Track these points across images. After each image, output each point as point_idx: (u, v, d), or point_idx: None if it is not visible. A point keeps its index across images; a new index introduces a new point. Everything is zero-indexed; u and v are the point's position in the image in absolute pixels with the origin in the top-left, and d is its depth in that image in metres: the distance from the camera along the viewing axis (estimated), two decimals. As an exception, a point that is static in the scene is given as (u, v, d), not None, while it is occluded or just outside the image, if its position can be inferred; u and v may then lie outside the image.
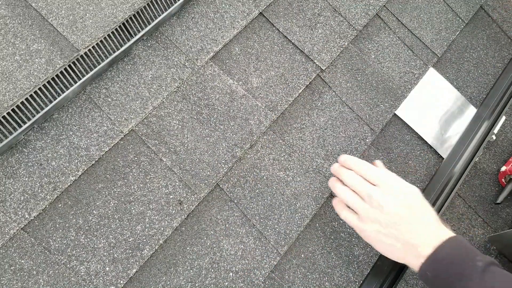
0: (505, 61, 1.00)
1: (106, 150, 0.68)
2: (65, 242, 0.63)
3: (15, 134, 0.62)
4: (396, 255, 0.64)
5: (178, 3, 0.75)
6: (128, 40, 0.71)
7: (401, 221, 0.63)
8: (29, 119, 0.64)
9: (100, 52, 0.69)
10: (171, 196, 0.69)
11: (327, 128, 0.82)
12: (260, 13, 0.83)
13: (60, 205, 0.64)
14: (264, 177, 0.75)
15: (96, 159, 0.67)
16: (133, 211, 0.67)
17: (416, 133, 0.88)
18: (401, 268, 0.73)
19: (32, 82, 0.64)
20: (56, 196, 0.64)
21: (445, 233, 0.61)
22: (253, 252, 0.71)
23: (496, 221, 0.88)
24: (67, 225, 0.64)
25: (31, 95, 0.64)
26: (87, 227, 0.64)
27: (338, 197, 0.70)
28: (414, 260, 0.61)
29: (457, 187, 0.85)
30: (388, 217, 0.63)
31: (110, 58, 0.69)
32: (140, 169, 0.69)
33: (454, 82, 0.95)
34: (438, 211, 0.82)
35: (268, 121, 0.77)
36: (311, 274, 0.74)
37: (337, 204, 0.71)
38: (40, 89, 0.65)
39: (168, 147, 0.71)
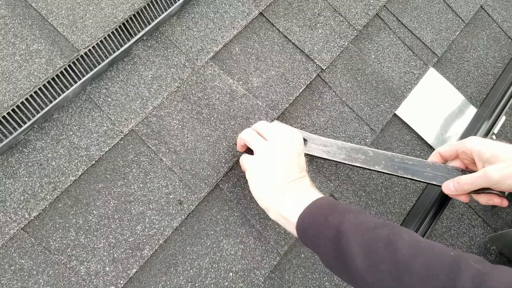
0: (505, 61, 1.00)
1: (106, 150, 0.68)
2: (65, 242, 0.63)
3: (15, 134, 0.62)
4: (268, 203, 0.65)
5: (178, 3, 0.75)
6: (128, 40, 0.71)
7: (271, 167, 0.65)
8: (29, 119, 0.63)
9: (100, 52, 0.69)
10: (171, 196, 0.69)
11: (327, 128, 0.82)
12: (260, 13, 0.83)
13: (60, 205, 0.64)
14: (264, 177, 0.75)
15: (96, 159, 0.67)
16: (133, 211, 0.67)
17: (416, 133, 0.88)
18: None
19: (32, 82, 0.64)
20: (56, 196, 0.64)
21: (312, 193, 0.63)
22: (253, 252, 0.71)
23: (496, 221, 0.88)
24: (67, 225, 0.64)
25: (31, 95, 0.64)
26: (87, 227, 0.64)
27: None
28: (287, 220, 0.63)
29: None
30: (265, 165, 0.66)
31: (110, 58, 0.69)
32: (140, 169, 0.69)
33: (454, 82, 0.95)
34: (438, 211, 0.82)
35: (269, 120, 0.77)
36: (311, 274, 0.74)
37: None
38: (40, 89, 0.65)
39: (168, 147, 0.71)
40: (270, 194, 0.65)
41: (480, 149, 0.66)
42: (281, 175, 0.65)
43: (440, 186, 0.69)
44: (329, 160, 0.75)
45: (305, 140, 0.76)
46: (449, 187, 0.68)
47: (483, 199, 0.68)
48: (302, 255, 0.74)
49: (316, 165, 0.79)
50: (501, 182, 0.62)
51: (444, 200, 0.82)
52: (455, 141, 0.71)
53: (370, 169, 0.72)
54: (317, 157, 0.75)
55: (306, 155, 0.75)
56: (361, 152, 0.73)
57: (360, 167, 0.73)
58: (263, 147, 0.67)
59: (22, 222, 0.61)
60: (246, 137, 0.70)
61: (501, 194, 0.66)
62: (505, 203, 0.67)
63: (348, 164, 0.74)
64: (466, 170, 0.70)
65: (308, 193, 0.63)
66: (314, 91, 0.83)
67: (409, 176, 0.70)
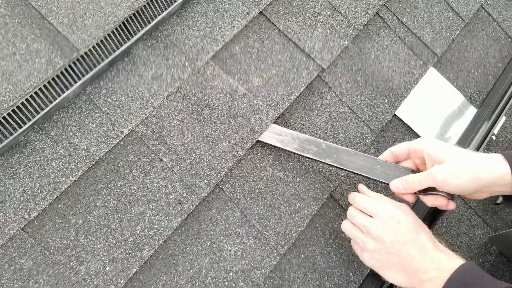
0: (505, 61, 1.00)
1: (106, 150, 0.67)
2: (65, 242, 0.63)
3: (15, 134, 0.62)
4: (403, 284, 0.64)
5: (178, 2, 0.75)
6: (128, 39, 0.71)
7: (399, 247, 0.63)
8: (29, 120, 0.63)
9: (100, 52, 0.69)
10: (171, 196, 0.69)
11: (327, 129, 0.82)
12: (260, 12, 0.83)
13: (60, 205, 0.64)
14: (264, 177, 0.75)
15: (96, 160, 0.67)
16: (133, 211, 0.67)
17: (416, 133, 0.88)
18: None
19: (32, 83, 0.64)
20: (56, 196, 0.64)
21: (448, 261, 0.61)
22: (253, 252, 0.71)
23: (496, 221, 0.88)
24: (67, 225, 0.64)
25: (31, 96, 0.64)
26: (87, 227, 0.64)
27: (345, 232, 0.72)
28: None
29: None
30: (386, 246, 0.64)
31: (110, 58, 0.69)
32: (140, 170, 0.69)
33: (454, 82, 0.95)
34: (438, 211, 0.82)
35: (270, 119, 0.77)
36: (311, 274, 0.74)
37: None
38: (40, 89, 0.64)
39: (168, 147, 0.71)
40: (414, 277, 0.63)
41: (431, 150, 0.66)
42: (411, 254, 0.62)
43: (388, 184, 0.70)
44: (282, 149, 0.75)
45: None
46: (397, 185, 0.68)
47: (429, 200, 0.68)
48: (302, 255, 0.74)
49: (316, 165, 0.79)
50: (445, 181, 0.62)
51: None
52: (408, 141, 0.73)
53: (321, 161, 0.74)
54: (270, 145, 0.76)
55: (263, 142, 0.76)
56: (314, 144, 0.74)
57: (311, 158, 0.74)
58: (373, 240, 0.65)
59: (22, 223, 0.61)
60: (346, 231, 0.70)
61: (448, 196, 0.66)
62: (451, 205, 0.67)
63: (299, 155, 0.75)
64: (416, 171, 0.70)
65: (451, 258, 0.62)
66: (314, 92, 0.83)
67: (359, 172, 0.72)
